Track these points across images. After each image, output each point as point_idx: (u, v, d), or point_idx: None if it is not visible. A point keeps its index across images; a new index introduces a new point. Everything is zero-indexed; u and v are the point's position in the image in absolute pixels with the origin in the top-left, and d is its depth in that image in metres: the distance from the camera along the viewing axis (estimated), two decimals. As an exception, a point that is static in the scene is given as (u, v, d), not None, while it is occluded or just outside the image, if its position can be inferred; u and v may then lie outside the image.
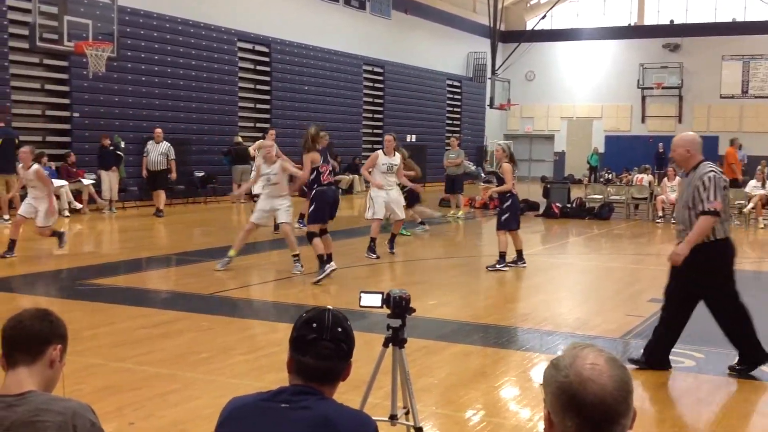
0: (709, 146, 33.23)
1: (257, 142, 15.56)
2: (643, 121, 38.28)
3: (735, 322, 6.24)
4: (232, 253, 10.63)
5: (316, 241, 9.85)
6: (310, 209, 10.10)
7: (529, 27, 38.67)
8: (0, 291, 9.13)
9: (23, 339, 2.50)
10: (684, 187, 6.32)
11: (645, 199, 20.14)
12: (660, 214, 18.93)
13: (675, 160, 6.38)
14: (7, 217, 15.82)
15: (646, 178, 20.91)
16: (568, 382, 1.72)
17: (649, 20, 38.81)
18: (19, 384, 2.44)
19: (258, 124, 24.56)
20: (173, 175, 17.64)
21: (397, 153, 12.40)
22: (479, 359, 6.70)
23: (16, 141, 15.97)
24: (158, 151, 17.65)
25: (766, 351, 6.23)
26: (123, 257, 12.13)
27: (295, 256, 10.29)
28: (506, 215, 11.17)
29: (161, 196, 17.72)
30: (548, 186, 21.93)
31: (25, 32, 15.99)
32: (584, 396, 1.70)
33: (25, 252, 12.69)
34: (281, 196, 10.48)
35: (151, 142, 17.85)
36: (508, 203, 11.21)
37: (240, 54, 23.47)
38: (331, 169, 10.19)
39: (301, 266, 10.27)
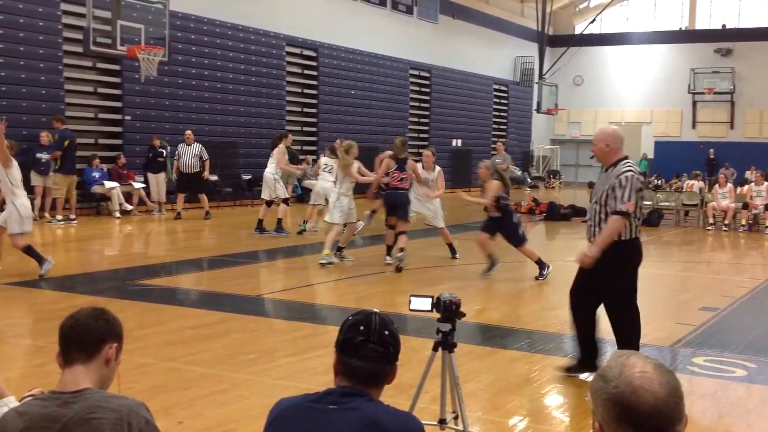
0: (763, 153, 32.72)
1: (278, 148, 15.19)
2: (693, 126, 37.69)
3: (628, 325, 6.15)
4: (326, 252, 11.41)
5: (389, 232, 11.77)
6: None
7: (577, 31, 38.35)
8: (53, 290, 9.34)
9: (80, 337, 2.54)
10: (600, 183, 6.08)
11: (695, 205, 19.82)
12: (711, 221, 18.61)
13: (595, 154, 6.13)
14: (73, 216, 16.14)
15: (696, 184, 20.58)
16: (619, 392, 1.70)
17: (700, 24, 38.21)
18: (76, 381, 2.49)
19: (305, 128, 24.75)
20: (206, 174, 17.70)
21: (437, 167, 12.64)
22: (525, 365, 6.66)
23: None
24: (190, 153, 17.62)
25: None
26: (171, 258, 12.30)
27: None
28: (521, 230, 11.09)
29: (203, 198, 17.80)
30: (596, 192, 21.65)
31: (79, 36, 16.34)
32: (637, 405, 1.68)
33: (77, 253, 12.97)
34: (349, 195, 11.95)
35: (181, 144, 17.70)
36: (515, 219, 11.11)
37: (288, 58, 23.65)
38: (404, 176, 11.44)
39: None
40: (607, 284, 6.09)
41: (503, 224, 10.87)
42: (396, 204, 11.48)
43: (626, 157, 6.02)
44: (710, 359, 6.90)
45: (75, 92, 18.06)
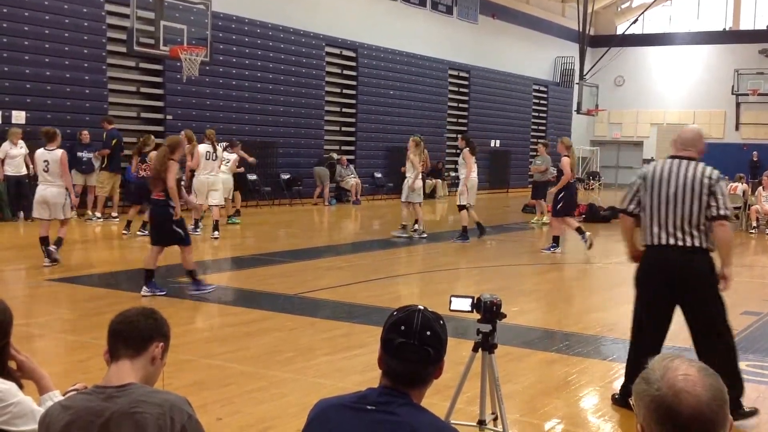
0: (807, 155, 32.01)
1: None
2: (737, 128, 37.09)
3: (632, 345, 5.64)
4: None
5: (569, 220, 13.96)
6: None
7: (619, 31, 37.96)
8: (96, 286, 9.48)
9: (128, 334, 2.60)
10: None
11: (738, 208, 19.51)
12: (754, 224, 18.32)
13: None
14: (115, 214, 16.36)
15: (740, 187, 20.24)
16: (661, 395, 1.68)
17: (745, 25, 37.58)
18: (120, 376, 2.53)
19: (343, 128, 24.83)
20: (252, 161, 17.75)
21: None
22: (563, 368, 6.61)
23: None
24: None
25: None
26: (211, 257, 12.42)
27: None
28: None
29: (237, 197, 17.80)
30: (636, 193, 21.39)
31: (123, 37, 16.59)
32: (679, 409, 1.66)
33: (119, 250, 13.15)
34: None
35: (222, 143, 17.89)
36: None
37: (327, 59, 23.75)
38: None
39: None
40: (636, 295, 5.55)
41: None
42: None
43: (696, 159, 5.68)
44: (752, 364, 6.80)
45: (118, 92, 18.32)
